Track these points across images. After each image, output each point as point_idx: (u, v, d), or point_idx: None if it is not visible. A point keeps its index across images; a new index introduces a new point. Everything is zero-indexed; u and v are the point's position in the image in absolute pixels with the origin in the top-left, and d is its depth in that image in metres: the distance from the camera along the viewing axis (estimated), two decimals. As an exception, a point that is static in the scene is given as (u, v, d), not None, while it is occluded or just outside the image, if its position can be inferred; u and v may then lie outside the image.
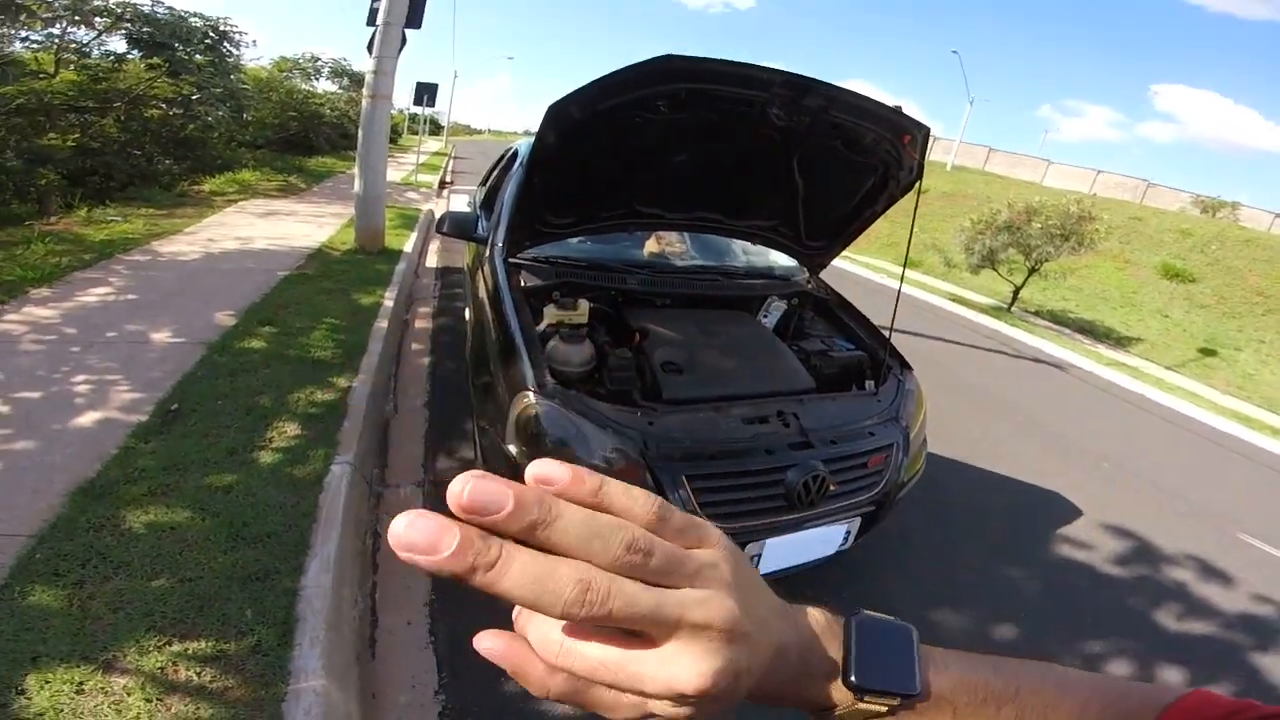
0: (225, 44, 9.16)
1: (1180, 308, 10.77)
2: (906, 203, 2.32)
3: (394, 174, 12.70)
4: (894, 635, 0.35)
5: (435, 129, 38.80)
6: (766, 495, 1.75)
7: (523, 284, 2.26)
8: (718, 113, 1.86)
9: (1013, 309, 9.51)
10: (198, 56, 8.47)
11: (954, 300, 9.54)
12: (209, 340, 3.20)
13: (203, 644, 1.51)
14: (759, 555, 1.78)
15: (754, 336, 2.37)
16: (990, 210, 9.39)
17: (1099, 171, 25.09)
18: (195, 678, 1.43)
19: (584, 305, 2.17)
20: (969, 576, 2.58)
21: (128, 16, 7.70)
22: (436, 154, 21.92)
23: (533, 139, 2.04)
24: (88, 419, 2.39)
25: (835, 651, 0.34)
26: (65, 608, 1.55)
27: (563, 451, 1.69)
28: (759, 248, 2.97)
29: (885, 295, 9.17)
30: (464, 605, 1.94)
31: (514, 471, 1.76)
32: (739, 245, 3.11)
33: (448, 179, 13.57)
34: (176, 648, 1.49)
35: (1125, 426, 5.23)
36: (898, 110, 1.90)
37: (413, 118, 24.56)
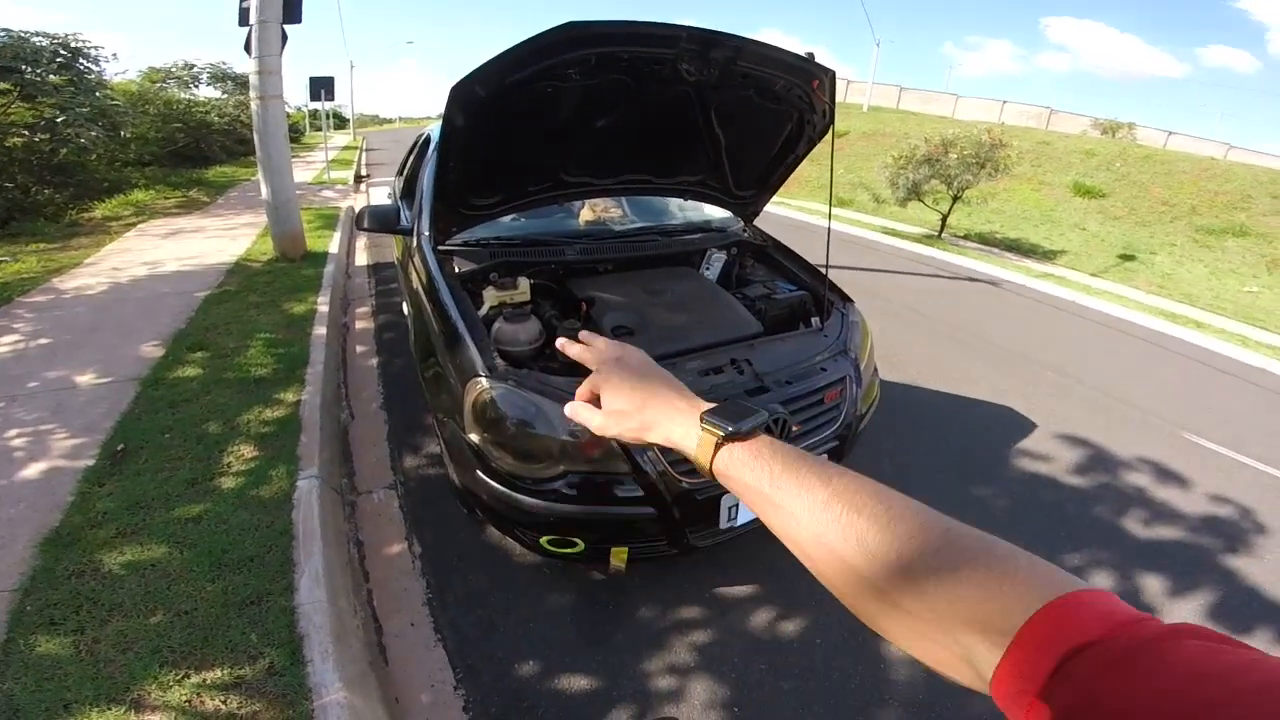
0: (81, 60, 8.23)
1: (1095, 221, 11.41)
2: (829, 146, 2.36)
3: (305, 174, 12.03)
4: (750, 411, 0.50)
5: (341, 123, 36.76)
6: None
7: (457, 270, 2.20)
8: (630, 74, 1.84)
9: (943, 235, 9.89)
10: (51, 77, 7.61)
11: (887, 233, 9.85)
12: (139, 375, 3.03)
13: (218, 672, 1.52)
14: (735, 505, 1.80)
15: (698, 289, 2.38)
16: (910, 145, 9.64)
17: (1005, 102, 25.91)
18: (223, 706, 1.45)
19: (524, 283, 2.13)
20: (936, 501, 2.67)
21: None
22: (347, 148, 20.80)
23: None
24: (33, 470, 2.28)
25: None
26: (75, 655, 1.54)
27: (525, 431, 1.69)
28: (694, 203, 2.98)
29: (822, 235, 9.34)
30: (464, 599, 1.95)
31: (479, 458, 1.75)
32: (675, 203, 3.11)
33: (363, 172, 12.92)
34: (195, 679, 1.50)
35: (1063, 334, 5.41)
36: (804, 57, 1.92)
37: (314, 114, 23.06)
